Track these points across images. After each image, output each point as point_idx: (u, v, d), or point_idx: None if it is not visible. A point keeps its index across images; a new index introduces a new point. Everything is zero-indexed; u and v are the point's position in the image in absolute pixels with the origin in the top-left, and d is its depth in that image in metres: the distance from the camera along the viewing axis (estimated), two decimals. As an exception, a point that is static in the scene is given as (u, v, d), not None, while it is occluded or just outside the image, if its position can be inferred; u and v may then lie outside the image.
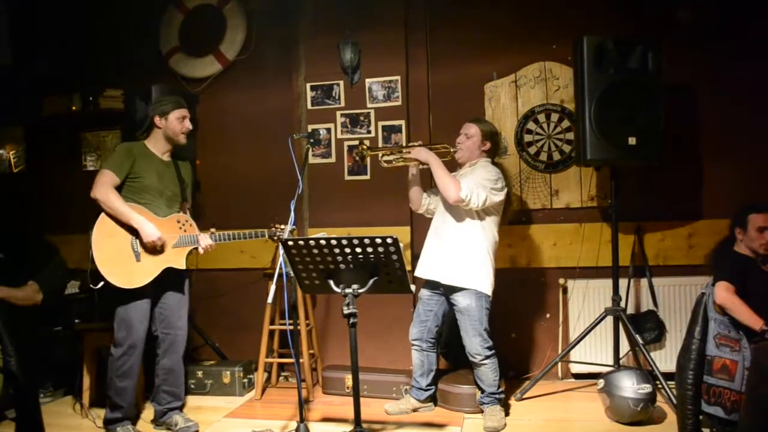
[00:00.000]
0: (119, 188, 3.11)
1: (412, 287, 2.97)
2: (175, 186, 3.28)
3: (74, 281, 4.22)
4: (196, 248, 3.25)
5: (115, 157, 3.15)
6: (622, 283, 3.71)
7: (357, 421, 2.70)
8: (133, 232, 3.09)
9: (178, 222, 3.24)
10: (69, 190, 4.49)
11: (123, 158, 3.13)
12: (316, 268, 2.74)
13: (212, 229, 3.31)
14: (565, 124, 3.98)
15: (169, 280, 3.21)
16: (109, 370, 3.16)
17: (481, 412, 3.33)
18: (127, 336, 3.11)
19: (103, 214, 3.08)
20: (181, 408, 3.39)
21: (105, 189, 3.05)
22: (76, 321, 3.71)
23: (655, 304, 3.80)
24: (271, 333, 3.92)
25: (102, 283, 3.03)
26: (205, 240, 3.24)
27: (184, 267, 3.22)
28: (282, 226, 3.34)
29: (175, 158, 3.33)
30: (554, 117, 4.00)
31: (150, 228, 3.06)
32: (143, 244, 3.10)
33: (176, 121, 3.21)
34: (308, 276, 2.80)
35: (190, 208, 3.41)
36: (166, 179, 3.24)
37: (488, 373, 3.27)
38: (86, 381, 3.59)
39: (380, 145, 4.04)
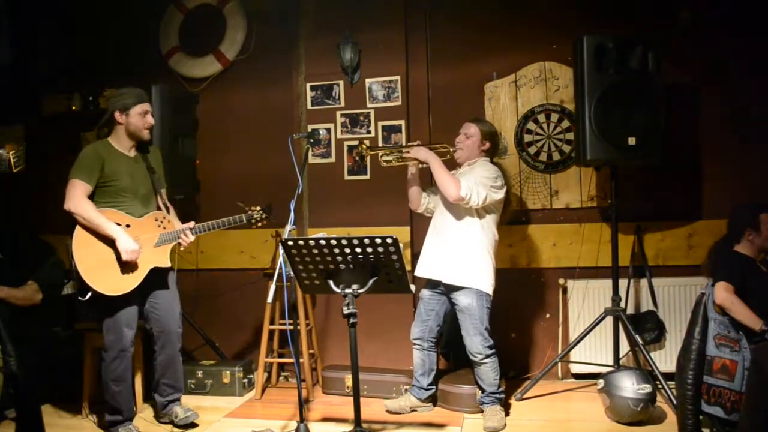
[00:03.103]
0: (92, 193, 3.03)
1: (412, 287, 2.97)
2: (147, 182, 3.19)
3: (73, 281, 4.21)
4: (179, 243, 3.20)
5: (83, 165, 3.03)
6: (622, 283, 3.71)
7: (357, 421, 2.70)
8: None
9: (156, 220, 3.19)
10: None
11: (92, 164, 3.03)
12: (316, 268, 2.74)
13: (191, 223, 3.25)
14: (565, 124, 3.97)
15: (155, 278, 3.16)
16: (103, 374, 3.15)
17: (481, 412, 3.33)
18: (116, 340, 3.09)
19: (78, 226, 3.00)
20: (180, 400, 3.39)
21: (78, 200, 2.97)
22: (76, 321, 3.71)
23: (655, 304, 3.80)
24: (271, 333, 3.91)
25: (90, 294, 2.98)
26: (185, 236, 3.19)
27: (168, 265, 3.19)
28: (257, 208, 3.29)
29: (140, 150, 3.22)
30: (554, 117, 4.00)
31: (126, 241, 2.97)
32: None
33: (138, 117, 3.09)
34: (308, 276, 2.80)
35: (165, 199, 3.31)
36: (138, 177, 3.15)
37: (489, 372, 3.27)
38: (86, 381, 3.59)
39: (380, 145, 4.04)
